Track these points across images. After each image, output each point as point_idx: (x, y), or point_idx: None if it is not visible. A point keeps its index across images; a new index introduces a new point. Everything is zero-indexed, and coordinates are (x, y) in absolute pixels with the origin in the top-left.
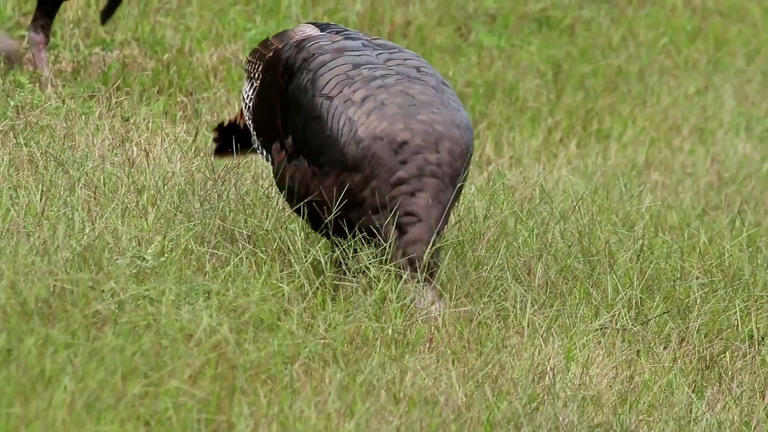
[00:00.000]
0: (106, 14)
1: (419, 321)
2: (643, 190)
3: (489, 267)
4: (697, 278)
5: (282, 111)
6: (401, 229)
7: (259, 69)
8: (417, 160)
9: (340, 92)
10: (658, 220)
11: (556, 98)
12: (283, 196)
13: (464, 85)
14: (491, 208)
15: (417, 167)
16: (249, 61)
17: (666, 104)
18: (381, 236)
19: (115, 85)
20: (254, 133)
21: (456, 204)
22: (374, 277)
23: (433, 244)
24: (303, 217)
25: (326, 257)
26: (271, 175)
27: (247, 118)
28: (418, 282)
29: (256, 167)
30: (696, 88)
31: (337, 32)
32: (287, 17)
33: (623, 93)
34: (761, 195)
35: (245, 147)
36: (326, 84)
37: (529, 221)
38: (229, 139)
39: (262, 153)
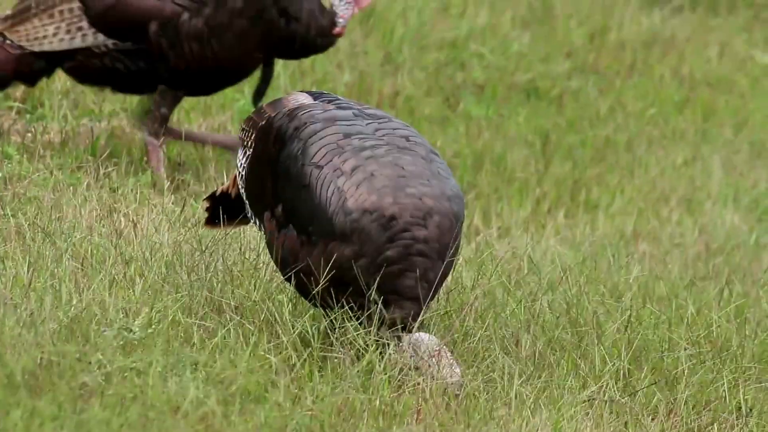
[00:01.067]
0: (258, 95)
1: (407, 392)
2: (630, 260)
3: (476, 338)
4: (685, 349)
5: (273, 179)
6: (387, 307)
7: (253, 137)
8: (405, 238)
9: (330, 161)
10: (646, 290)
11: (544, 168)
12: (276, 265)
13: (452, 155)
14: (479, 278)
15: (404, 246)
16: (243, 129)
17: (654, 174)
18: (367, 312)
19: (104, 156)
20: (247, 201)
21: (446, 277)
22: (361, 348)
23: (420, 322)
24: (292, 286)
25: (314, 328)
26: (261, 244)
27: (240, 186)
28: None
29: (243, 238)
30: (684, 158)
31: (329, 101)
32: (276, 88)
33: (611, 163)
34: (749, 266)
35: (236, 216)
36: (316, 153)
37: (517, 292)
38: (221, 208)
39: (255, 222)
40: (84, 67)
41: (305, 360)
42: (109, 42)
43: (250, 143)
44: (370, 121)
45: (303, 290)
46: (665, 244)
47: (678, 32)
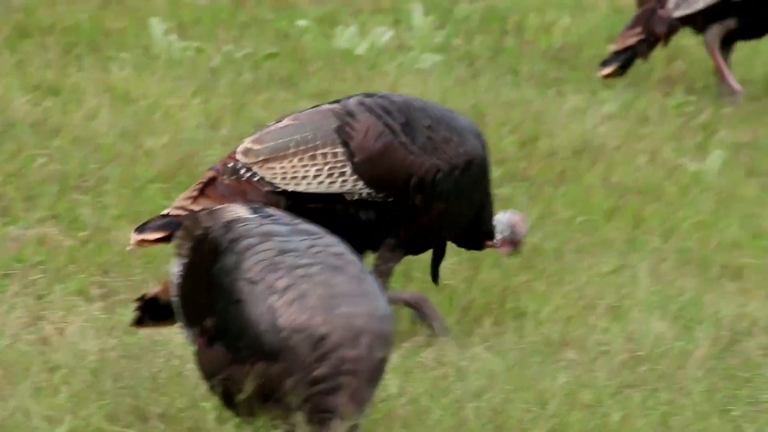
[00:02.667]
0: (435, 272)
1: None
2: (557, 367)
3: None
4: None
5: (206, 291)
6: (318, 426)
7: (188, 246)
8: (334, 358)
9: (264, 278)
10: (572, 398)
11: (473, 276)
12: (202, 377)
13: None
14: (405, 385)
15: (333, 366)
16: (179, 238)
17: (582, 282)
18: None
19: (31, 263)
20: (179, 310)
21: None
22: None
23: None
24: (217, 396)
25: None
26: (186, 351)
27: (173, 295)
28: None
29: (171, 345)
30: (612, 266)
31: (266, 216)
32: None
33: (539, 270)
34: (675, 373)
35: (164, 319)
36: (251, 268)
37: (443, 399)
38: (150, 311)
39: (185, 333)
40: (325, 212)
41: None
42: (365, 191)
43: (185, 252)
44: (304, 238)
45: (228, 401)
46: (592, 352)
47: (608, 140)
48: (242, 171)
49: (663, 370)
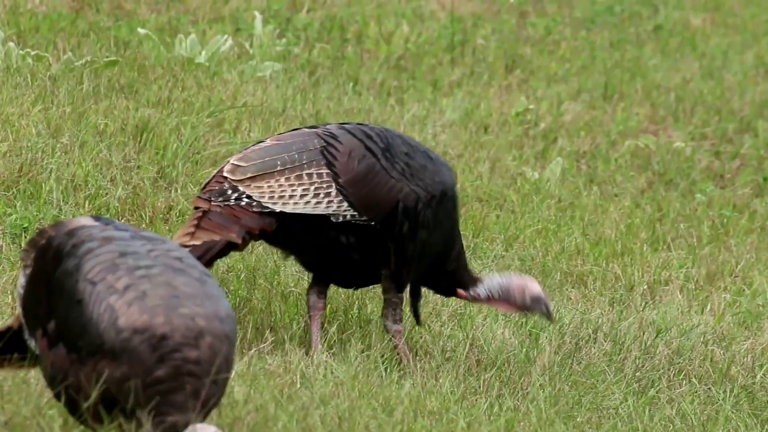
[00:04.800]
0: (416, 312)
1: None
2: (403, 374)
3: None
4: None
5: (47, 295)
6: (157, 421)
7: (33, 257)
8: (175, 359)
9: (104, 279)
10: (418, 404)
11: None
12: (47, 384)
13: (226, 270)
14: (251, 393)
15: (174, 366)
16: (24, 251)
17: (425, 290)
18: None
19: None
20: (23, 320)
21: (220, 398)
22: None
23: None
24: (62, 404)
25: None
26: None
27: (18, 307)
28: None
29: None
30: None
31: (108, 223)
32: (48, 202)
33: None
34: (519, 380)
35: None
36: (91, 270)
37: (290, 406)
38: (8, 343)
39: (30, 341)
40: (309, 234)
41: None
42: (349, 213)
43: (29, 263)
44: (145, 242)
45: (73, 408)
46: (437, 359)
47: (449, 148)
48: (229, 192)
49: (508, 377)
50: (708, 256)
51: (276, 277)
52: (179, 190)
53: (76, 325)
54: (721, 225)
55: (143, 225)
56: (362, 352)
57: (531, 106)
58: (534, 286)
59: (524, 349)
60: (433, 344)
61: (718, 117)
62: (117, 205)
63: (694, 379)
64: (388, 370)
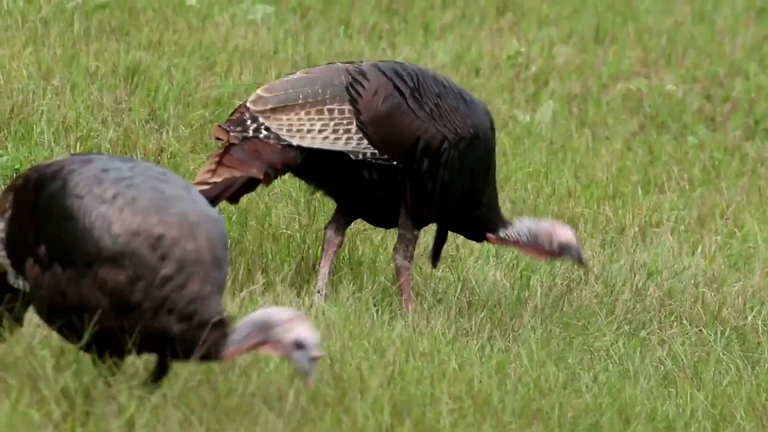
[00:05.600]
0: (437, 255)
1: None
2: (394, 316)
3: (240, 393)
4: (446, 404)
5: (33, 223)
6: (187, 318)
7: (11, 198)
8: (176, 253)
9: (90, 191)
10: (409, 346)
11: (309, 225)
12: (43, 316)
13: (217, 211)
14: None
15: (177, 260)
16: (3, 194)
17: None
18: (168, 337)
19: None
20: (9, 262)
21: (224, 286)
22: (123, 404)
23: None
24: (60, 334)
25: (76, 383)
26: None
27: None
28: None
29: None
30: None
31: (85, 154)
32: (39, 143)
33: None
34: (511, 322)
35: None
36: (76, 185)
37: None
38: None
39: (18, 281)
40: (329, 168)
41: (67, 415)
42: (369, 151)
43: (8, 205)
44: (125, 162)
45: (75, 332)
46: (429, 300)
47: None
48: (249, 123)
49: (499, 319)
50: (699, 198)
51: (267, 219)
52: (170, 132)
53: (70, 240)
54: (713, 168)
55: None
56: (354, 293)
57: (522, 49)
58: (563, 233)
59: (515, 291)
60: (424, 286)
61: (710, 60)
62: (108, 146)
63: (685, 321)
64: (380, 312)
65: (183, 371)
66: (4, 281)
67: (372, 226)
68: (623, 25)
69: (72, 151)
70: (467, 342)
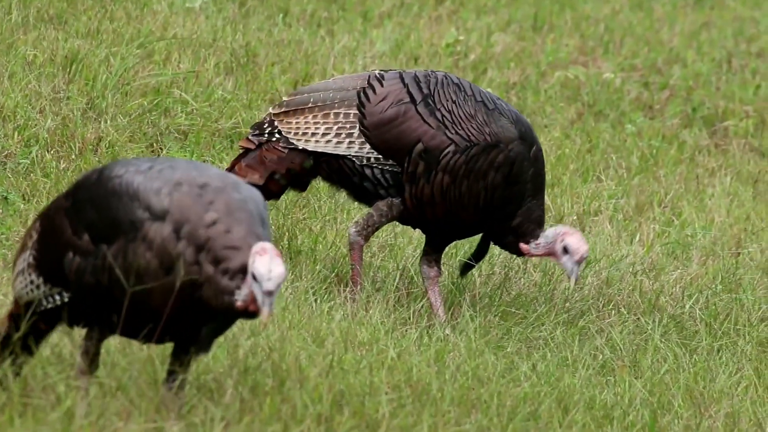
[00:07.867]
0: (468, 267)
1: None
2: (333, 305)
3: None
4: (386, 393)
5: (70, 222)
6: (219, 261)
7: (36, 225)
8: (223, 199)
9: (127, 170)
10: (348, 335)
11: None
12: (84, 309)
13: None
14: None
15: (225, 204)
16: (27, 235)
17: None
18: (208, 287)
19: None
20: (40, 281)
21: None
22: (62, 393)
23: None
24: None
25: (13, 372)
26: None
27: (29, 275)
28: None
29: None
30: None
31: None
32: None
33: (314, 209)
34: (449, 311)
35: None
36: (112, 170)
37: (219, 338)
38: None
39: (50, 298)
40: (335, 171)
41: (4, 405)
42: (373, 155)
43: (34, 232)
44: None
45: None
46: (368, 289)
47: None
48: (266, 126)
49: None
50: (637, 186)
51: None
52: (109, 122)
53: (116, 214)
54: (651, 155)
55: (73, 156)
56: (292, 282)
57: (461, 38)
58: (571, 239)
59: (454, 280)
60: (363, 275)
61: (648, 48)
62: (46, 136)
63: (623, 309)
64: (318, 302)
65: (121, 361)
66: (35, 314)
67: (311, 215)
68: (561, 13)
69: (10, 142)
70: (406, 331)
